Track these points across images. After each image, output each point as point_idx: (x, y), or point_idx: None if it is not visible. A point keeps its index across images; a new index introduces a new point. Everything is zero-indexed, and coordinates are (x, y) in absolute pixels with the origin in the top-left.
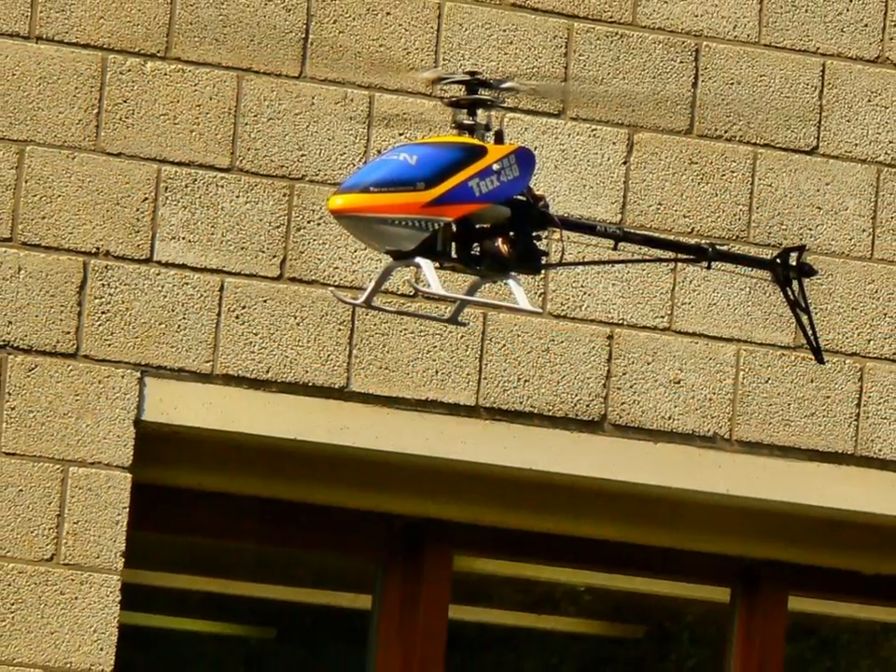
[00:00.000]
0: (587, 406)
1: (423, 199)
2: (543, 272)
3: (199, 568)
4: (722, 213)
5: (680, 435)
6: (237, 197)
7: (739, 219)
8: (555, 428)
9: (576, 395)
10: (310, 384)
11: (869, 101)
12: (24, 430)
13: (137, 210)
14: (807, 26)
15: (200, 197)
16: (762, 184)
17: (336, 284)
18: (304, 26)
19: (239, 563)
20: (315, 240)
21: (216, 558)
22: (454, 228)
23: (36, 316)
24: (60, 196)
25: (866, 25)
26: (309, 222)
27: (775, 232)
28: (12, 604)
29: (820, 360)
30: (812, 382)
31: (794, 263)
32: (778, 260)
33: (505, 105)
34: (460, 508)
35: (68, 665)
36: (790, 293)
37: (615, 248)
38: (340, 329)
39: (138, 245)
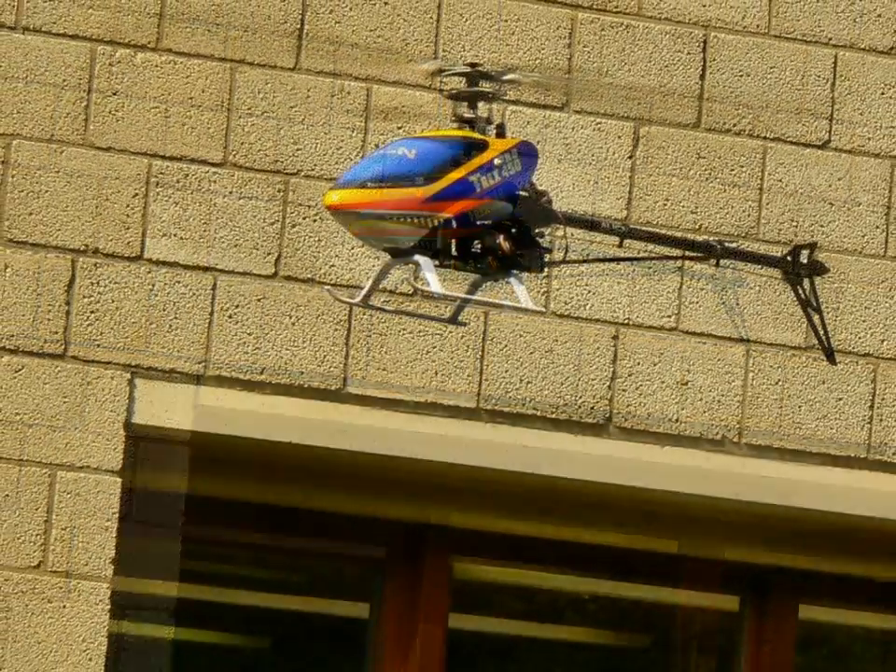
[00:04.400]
0: (591, 408)
1: (422, 194)
2: (546, 270)
3: (191, 576)
4: (731, 209)
5: (688, 438)
6: (230, 193)
7: (749, 216)
8: (559, 431)
9: (580, 397)
10: (305, 385)
11: (882, 93)
12: (11, 434)
13: (127, 206)
14: (819, 16)
15: (192, 193)
16: (772, 179)
17: (332, 282)
18: (299, 16)
19: (232, 570)
20: (310, 237)
21: (208, 565)
22: (454, 224)
23: (23, 316)
24: (47, 191)
25: (879, 15)
26: (304, 219)
27: (785, 229)
28: None
29: (832, 361)
30: (824, 383)
31: (805, 261)
32: (789, 258)
33: (507, 97)
34: (460, 513)
35: None
36: (800, 292)
37: (620, 245)
38: (336, 329)
39: (128, 243)
